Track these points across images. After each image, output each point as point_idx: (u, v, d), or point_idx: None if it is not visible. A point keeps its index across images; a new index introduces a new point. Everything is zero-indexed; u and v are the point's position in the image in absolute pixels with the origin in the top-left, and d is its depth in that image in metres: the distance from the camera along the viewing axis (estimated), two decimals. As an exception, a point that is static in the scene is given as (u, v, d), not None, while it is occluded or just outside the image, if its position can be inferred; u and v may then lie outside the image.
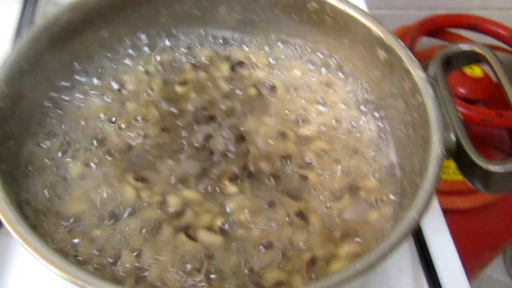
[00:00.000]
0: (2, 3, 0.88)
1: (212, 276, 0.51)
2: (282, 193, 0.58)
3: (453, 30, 1.22)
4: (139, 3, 0.66)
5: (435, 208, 0.71)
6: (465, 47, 0.58)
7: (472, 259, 1.20)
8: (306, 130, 0.63)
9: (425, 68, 0.58)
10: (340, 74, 0.68)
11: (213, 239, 0.53)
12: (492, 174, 0.51)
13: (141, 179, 0.57)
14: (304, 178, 0.59)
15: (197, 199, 0.56)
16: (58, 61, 0.61)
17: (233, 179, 0.58)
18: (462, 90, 1.09)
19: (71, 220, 0.54)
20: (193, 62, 0.69)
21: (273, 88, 0.67)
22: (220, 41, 0.71)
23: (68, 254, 0.51)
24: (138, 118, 0.63)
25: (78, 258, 0.51)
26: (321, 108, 0.65)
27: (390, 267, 0.65)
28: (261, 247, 0.53)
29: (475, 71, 1.10)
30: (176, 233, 0.54)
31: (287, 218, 0.56)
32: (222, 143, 0.60)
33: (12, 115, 0.55)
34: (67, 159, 0.58)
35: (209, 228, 0.54)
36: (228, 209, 0.56)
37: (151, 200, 0.56)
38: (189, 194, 0.57)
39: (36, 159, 0.58)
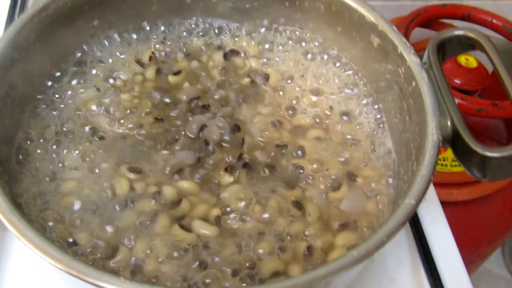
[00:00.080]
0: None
1: (208, 267, 0.50)
2: (278, 183, 0.57)
3: (447, 21, 1.22)
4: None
5: (433, 198, 0.71)
6: (458, 31, 0.57)
7: (471, 252, 1.20)
8: (301, 119, 0.63)
9: (420, 59, 0.57)
10: (334, 62, 0.68)
11: (209, 230, 0.53)
12: (489, 160, 0.50)
13: (135, 170, 0.56)
14: (300, 167, 0.59)
15: (193, 190, 0.56)
16: (49, 50, 0.61)
17: (229, 169, 0.57)
18: (457, 81, 1.08)
19: (65, 212, 0.53)
20: (185, 51, 0.69)
21: (267, 77, 0.66)
22: (213, 30, 0.71)
23: (62, 246, 0.50)
24: (132, 108, 0.62)
25: (73, 248, 0.50)
26: (315, 97, 0.65)
27: (388, 258, 0.65)
28: (258, 237, 0.53)
29: (470, 61, 1.10)
30: (171, 224, 0.53)
31: (283, 208, 0.55)
32: (217, 132, 0.59)
33: (3, 106, 0.55)
34: (60, 151, 0.58)
35: (205, 219, 0.54)
36: (224, 200, 0.55)
37: (145, 191, 0.55)
38: (185, 184, 0.56)
39: (28, 150, 0.57)
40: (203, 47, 0.69)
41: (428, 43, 0.58)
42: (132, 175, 0.56)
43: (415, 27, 1.15)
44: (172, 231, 0.52)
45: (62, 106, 0.61)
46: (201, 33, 0.70)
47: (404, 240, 0.66)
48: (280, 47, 0.70)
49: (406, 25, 1.11)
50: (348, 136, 0.62)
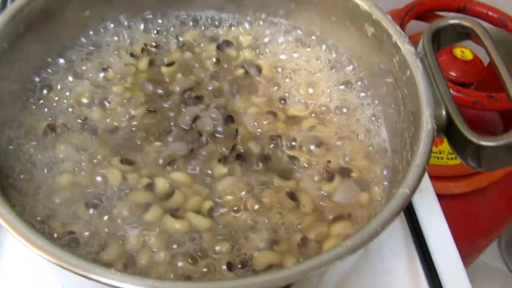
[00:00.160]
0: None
1: (202, 260, 0.50)
2: (272, 174, 0.57)
3: (443, 13, 1.21)
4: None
5: (428, 189, 0.70)
6: (453, 20, 0.57)
7: (467, 245, 1.20)
8: (295, 110, 0.63)
9: (414, 48, 0.57)
10: (328, 52, 0.67)
11: (202, 222, 0.52)
12: (484, 150, 0.50)
13: (127, 161, 0.56)
14: (294, 158, 0.58)
15: (186, 181, 0.55)
16: (40, 42, 0.60)
17: (222, 160, 0.57)
18: (453, 73, 1.08)
19: (57, 204, 0.53)
20: (178, 43, 0.68)
21: (260, 68, 0.66)
22: (206, 21, 0.70)
23: (53, 238, 0.50)
24: (124, 100, 0.61)
25: (64, 240, 0.50)
26: (309, 87, 0.64)
27: (384, 249, 0.64)
28: (252, 229, 0.52)
29: (466, 54, 1.10)
30: (164, 216, 0.52)
31: (277, 199, 0.54)
32: (210, 124, 0.59)
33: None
34: (52, 143, 0.57)
35: (198, 211, 0.53)
36: (217, 191, 0.55)
37: (138, 182, 0.55)
38: (178, 176, 0.55)
39: (19, 143, 0.57)
40: (196, 38, 0.69)
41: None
42: (124, 167, 0.55)
43: (410, 20, 1.15)
44: (165, 223, 0.52)
45: (54, 98, 0.61)
46: (194, 24, 0.70)
47: (399, 231, 0.66)
48: (274, 38, 0.69)
49: (401, 17, 1.11)
50: (343, 127, 0.61)
